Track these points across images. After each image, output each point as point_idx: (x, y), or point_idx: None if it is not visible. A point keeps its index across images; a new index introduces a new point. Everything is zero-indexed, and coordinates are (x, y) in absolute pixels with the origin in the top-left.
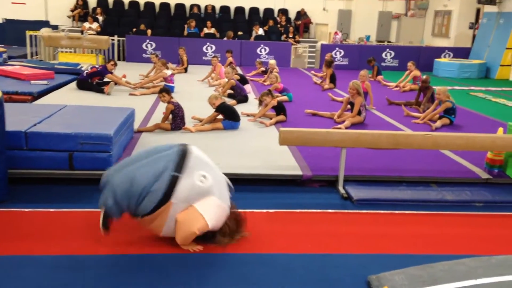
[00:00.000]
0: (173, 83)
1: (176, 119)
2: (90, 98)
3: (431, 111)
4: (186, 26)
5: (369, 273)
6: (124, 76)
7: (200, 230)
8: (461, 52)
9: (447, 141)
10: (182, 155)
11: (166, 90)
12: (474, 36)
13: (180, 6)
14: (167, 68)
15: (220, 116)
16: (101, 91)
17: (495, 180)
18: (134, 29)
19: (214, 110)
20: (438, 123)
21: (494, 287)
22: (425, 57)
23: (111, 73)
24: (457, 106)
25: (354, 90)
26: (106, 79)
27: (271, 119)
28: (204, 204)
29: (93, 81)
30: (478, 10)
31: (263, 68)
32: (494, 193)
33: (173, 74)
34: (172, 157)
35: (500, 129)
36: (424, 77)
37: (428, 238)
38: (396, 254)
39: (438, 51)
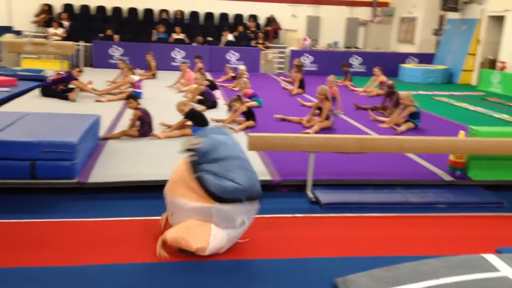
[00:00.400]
0: (140, 89)
1: (143, 126)
2: (54, 105)
3: (397, 115)
4: (154, 31)
5: (336, 276)
6: (90, 83)
7: (196, 251)
8: (425, 58)
9: (411, 144)
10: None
11: (133, 96)
12: (437, 42)
13: (148, 11)
14: (134, 73)
15: (189, 122)
16: (65, 98)
17: (457, 182)
18: (101, 35)
19: (183, 116)
20: (403, 127)
21: (455, 286)
22: (391, 63)
23: (77, 79)
24: (421, 111)
25: (322, 95)
26: (71, 86)
27: (240, 124)
28: (219, 233)
29: (58, 88)
30: (441, 17)
31: (232, 74)
32: (457, 194)
33: (140, 80)
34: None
35: (461, 133)
36: (390, 82)
37: (394, 240)
38: (363, 256)
39: (404, 57)
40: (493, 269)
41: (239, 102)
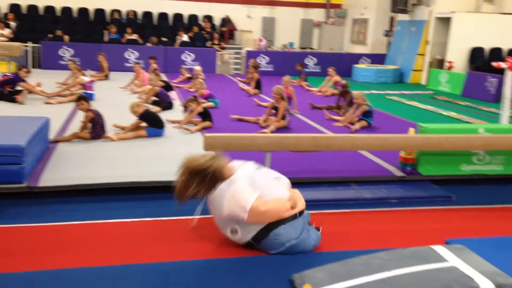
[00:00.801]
0: (92, 90)
1: (96, 128)
2: (1, 108)
3: (350, 114)
4: (106, 32)
5: (293, 272)
6: (39, 85)
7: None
8: (377, 58)
9: (364, 142)
10: None
11: (84, 98)
12: (389, 43)
13: (99, 11)
14: (84, 74)
15: (144, 124)
16: (13, 100)
17: (408, 177)
18: (50, 35)
19: (137, 118)
20: (357, 126)
21: (406, 278)
22: (345, 63)
23: (24, 81)
24: (374, 109)
25: (278, 95)
26: (19, 88)
27: (196, 125)
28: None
29: (5, 90)
30: (392, 18)
31: (188, 75)
32: (408, 189)
33: (92, 81)
34: None
35: (411, 130)
36: (344, 82)
37: (348, 235)
38: (319, 252)
39: (357, 57)
40: (442, 259)
41: (195, 102)
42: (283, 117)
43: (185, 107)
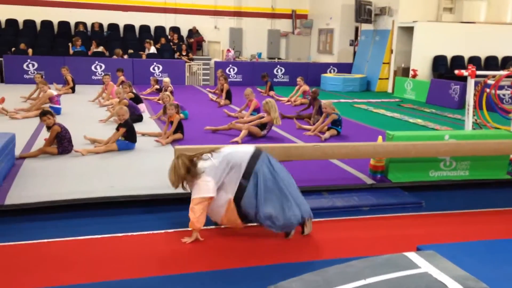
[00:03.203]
0: (59, 104)
1: (63, 142)
2: None
3: (320, 123)
4: (71, 44)
5: (268, 283)
6: (3, 99)
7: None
8: (344, 67)
9: (334, 150)
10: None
11: (50, 112)
12: (354, 52)
13: (63, 24)
14: (49, 88)
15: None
16: None
17: (378, 185)
18: (13, 49)
19: (118, 124)
20: (327, 134)
21: (381, 285)
22: (313, 73)
23: None
24: (343, 118)
25: (267, 111)
26: None
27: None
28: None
29: None
30: (357, 28)
31: (157, 86)
32: (378, 197)
33: (59, 95)
34: None
35: (379, 138)
36: (314, 89)
37: (323, 244)
38: (294, 262)
39: (324, 67)
40: (415, 266)
41: (176, 110)
42: (262, 129)
43: (164, 110)
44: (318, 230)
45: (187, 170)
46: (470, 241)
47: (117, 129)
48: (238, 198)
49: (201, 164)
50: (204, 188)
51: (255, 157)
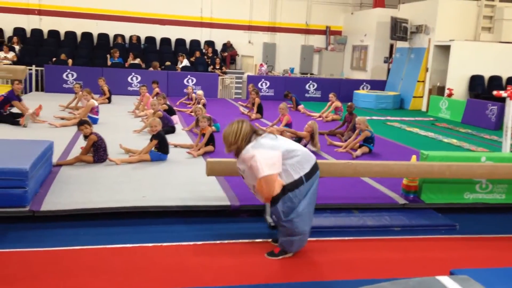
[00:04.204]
0: (97, 114)
1: (99, 151)
2: (4, 131)
3: (352, 140)
4: (109, 56)
5: None
6: (40, 107)
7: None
8: (377, 84)
9: (366, 168)
10: None
11: (87, 122)
12: (388, 70)
13: (103, 36)
14: (93, 97)
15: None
16: (16, 123)
17: (411, 205)
18: (54, 59)
19: (151, 136)
20: (359, 152)
21: None
22: (345, 89)
23: (18, 98)
24: (375, 135)
25: (309, 131)
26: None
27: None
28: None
29: (6, 110)
30: (391, 46)
31: (194, 95)
32: (411, 217)
33: (97, 106)
34: None
35: (413, 157)
36: (349, 103)
37: (351, 263)
38: (321, 281)
39: (357, 83)
40: None
41: (209, 122)
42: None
43: (197, 122)
44: (347, 249)
45: (248, 139)
46: (506, 267)
47: (151, 140)
48: (288, 189)
49: (264, 140)
50: (270, 162)
51: (316, 165)
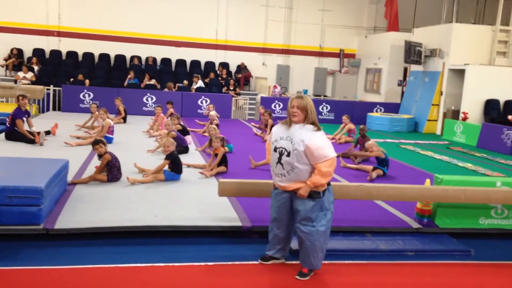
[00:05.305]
0: (112, 134)
1: (113, 170)
2: (20, 149)
3: (362, 152)
4: (129, 77)
5: None
6: (56, 126)
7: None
8: (391, 107)
9: (379, 191)
10: None
11: (102, 141)
12: (402, 93)
13: (120, 57)
14: (109, 117)
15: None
16: (32, 142)
17: (425, 229)
18: (72, 79)
19: (164, 156)
20: (373, 174)
21: None
22: (358, 111)
23: (28, 113)
24: (389, 158)
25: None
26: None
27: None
28: None
29: (22, 131)
30: (405, 69)
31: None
32: (425, 242)
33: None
34: None
35: (427, 181)
36: (362, 126)
37: None
38: None
39: (371, 106)
40: None
41: (222, 142)
42: None
43: (210, 143)
44: (360, 273)
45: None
46: None
47: (164, 159)
48: (328, 182)
49: None
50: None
51: None
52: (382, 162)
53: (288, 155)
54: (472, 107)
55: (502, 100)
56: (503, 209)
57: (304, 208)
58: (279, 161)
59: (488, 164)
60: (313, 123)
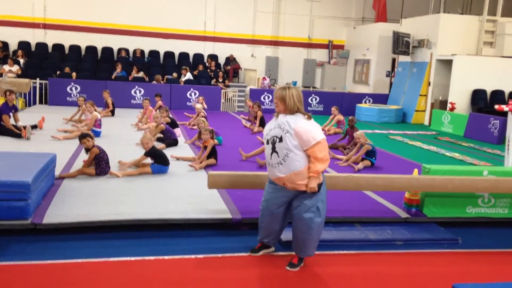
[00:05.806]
0: (100, 127)
1: (101, 164)
2: (7, 144)
3: (353, 154)
4: (117, 70)
5: None
6: (43, 119)
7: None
8: (379, 98)
9: (368, 182)
10: None
11: (89, 135)
12: (391, 84)
13: (107, 50)
14: (96, 110)
15: (148, 160)
16: (19, 136)
17: (413, 219)
18: (58, 72)
19: (144, 152)
20: (360, 165)
21: None
22: (347, 103)
23: (15, 108)
24: (377, 149)
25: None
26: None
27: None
28: None
29: (4, 123)
30: (394, 60)
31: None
32: (413, 231)
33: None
34: None
35: (415, 171)
36: (350, 117)
37: (353, 278)
38: None
39: (359, 97)
40: None
41: (211, 135)
42: None
43: (199, 135)
44: (349, 263)
45: (298, 107)
46: (508, 282)
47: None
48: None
49: None
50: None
51: None
52: (369, 153)
53: (281, 140)
54: (459, 97)
55: (489, 90)
56: (490, 198)
57: (306, 200)
58: (274, 150)
59: (475, 154)
60: (298, 112)
